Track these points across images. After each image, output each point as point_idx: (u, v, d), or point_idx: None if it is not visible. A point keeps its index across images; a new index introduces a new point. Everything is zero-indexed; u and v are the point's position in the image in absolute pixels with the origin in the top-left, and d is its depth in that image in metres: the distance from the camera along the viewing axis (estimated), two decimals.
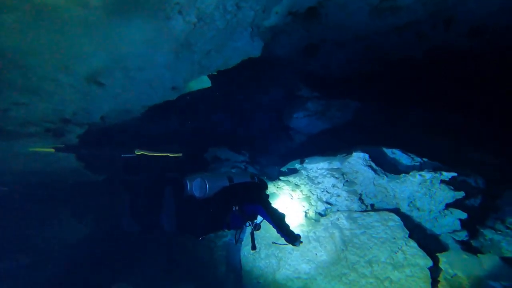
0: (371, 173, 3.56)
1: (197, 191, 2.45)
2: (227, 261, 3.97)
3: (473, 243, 3.25)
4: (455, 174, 3.31)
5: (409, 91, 5.47)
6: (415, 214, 3.51)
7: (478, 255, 3.00)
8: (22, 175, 2.80)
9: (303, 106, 5.37)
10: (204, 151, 4.73)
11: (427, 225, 3.48)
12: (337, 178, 3.67)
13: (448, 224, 3.38)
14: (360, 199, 3.60)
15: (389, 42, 4.81)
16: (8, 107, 1.99)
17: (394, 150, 3.86)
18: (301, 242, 2.56)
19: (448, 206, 3.39)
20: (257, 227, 2.68)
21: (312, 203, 3.69)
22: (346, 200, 3.60)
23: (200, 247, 4.13)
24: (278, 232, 2.63)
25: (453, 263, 2.96)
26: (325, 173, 3.74)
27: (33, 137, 2.27)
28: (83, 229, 3.90)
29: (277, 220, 2.62)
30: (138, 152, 2.56)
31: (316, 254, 3.37)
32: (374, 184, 3.57)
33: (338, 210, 3.59)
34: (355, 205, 3.56)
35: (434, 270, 2.99)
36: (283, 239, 2.60)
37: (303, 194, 3.77)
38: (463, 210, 3.33)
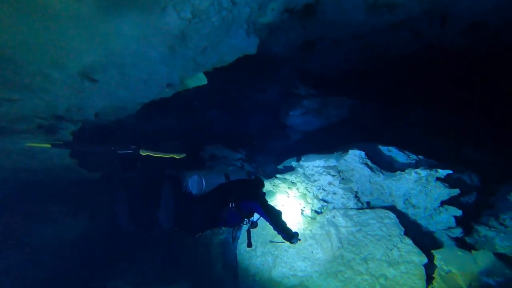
0: (367, 171, 3.57)
1: (193, 188, 2.45)
2: (223, 259, 3.97)
3: (468, 239, 3.28)
4: (450, 172, 3.33)
5: (406, 89, 5.50)
6: (410, 212, 3.53)
7: (472, 251, 3.03)
8: (14, 172, 2.77)
9: (299, 104, 5.37)
10: (201, 149, 4.71)
11: (423, 222, 3.50)
12: (333, 175, 3.67)
13: (443, 221, 3.41)
14: (356, 196, 3.61)
15: (386, 39, 4.82)
16: None
17: (390, 148, 3.88)
18: (299, 239, 2.56)
19: (443, 203, 3.41)
20: (254, 224, 2.68)
21: (308, 201, 3.70)
22: (342, 197, 3.61)
23: (196, 245, 4.13)
24: (275, 229, 2.62)
25: (448, 260, 2.98)
26: (321, 171, 3.74)
27: (25, 133, 2.23)
28: (78, 227, 3.87)
29: (274, 217, 2.62)
30: (144, 153, 2.55)
31: (312, 251, 3.38)
32: (370, 181, 3.58)
33: (334, 208, 3.60)
34: (351, 203, 3.57)
35: (429, 267, 3.01)
36: (280, 236, 2.60)
37: (299, 192, 3.78)
38: (458, 207, 3.36)
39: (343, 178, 3.68)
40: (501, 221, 3.12)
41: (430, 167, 3.44)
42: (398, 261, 3.05)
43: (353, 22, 4.25)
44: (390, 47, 5.04)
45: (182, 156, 2.73)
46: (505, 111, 4.49)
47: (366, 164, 3.60)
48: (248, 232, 2.70)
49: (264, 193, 3.02)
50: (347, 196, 3.58)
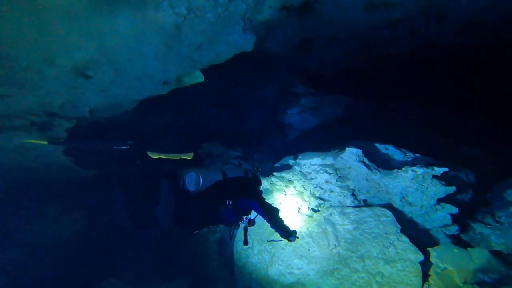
0: (364, 169, 3.57)
1: (191, 185, 2.44)
2: (220, 257, 3.97)
3: (464, 237, 3.29)
4: (447, 169, 3.34)
5: (404, 88, 5.50)
6: (407, 209, 3.53)
7: (468, 249, 3.05)
8: (8, 169, 2.74)
9: (297, 102, 5.35)
10: (198, 147, 4.69)
11: (419, 220, 3.51)
12: (330, 173, 3.67)
13: (439, 218, 3.42)
14: (353, 194, 3.61)
15: (384, 38, 4.81)
16: None
17: (387, 146, 3.88)
18: (297, 237, 2.55)
19: (439, 201, 3.42)
20: (251, 222, 2.67)
21: (305, 199, 3.69)
22: (339, 195, 3.61)
23: (193, 243, 4.12)
24: (272, 227, 2.62)
25: (444, 257, 2.99)
26: (318, 169, 3.74)
27: (18, 130, 2.21)
28: (73, 224, 3.85)
29: (271, 215, 2.61)
30: (156, 156, 2.53)
31: (308, 249, 3.38)
32: (367, 179, 3.58)
33: (331, 206, 3.60)
34: (348, 201, 3.57)
35: (425, 264, 3.03)
36: (278, 234, 2.60)
37: (296, 190, 3.77)
38: (454, 205, 3.37)
39: (340, 176, 3.68)
40: (497, 219, 3.13)
41: (426, 165, 3.45)
42: (395, 259, 3.05)
43: (351, 20, 4.24)
44: (388, 46, 5.03)
45: (190, 156, 2.72)
46: (504, 110, 4.51)
47: (363, 162, 3.60)
48: (245, 229, 2.69)
49: (261, 191, 3.02)
50: (344, 194, 3.58)
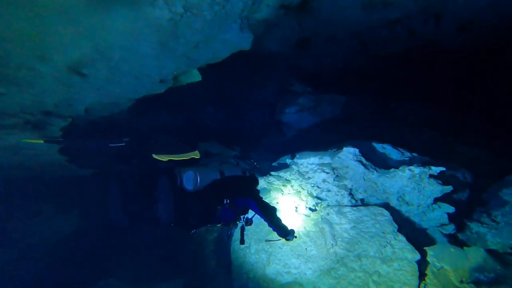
0: (361, 168, 3.57)
1: (189, 184, 2.42)
2: (217, 256, 3.96)
3: (460, 236, 3.31)
4: (444, 169, 3.35)
5: (402, 87, 5.50)
6: (404, 209, 3.54)
7: (465, 248, 3.06)
8: (2, 169, 2.71)
9: (295, 101, 5.34)
10: (196, 146, 4.67)
11: (416, 219, 3.52)
12: (327, 173, 3.67)
13: (436, 218, 3.43)
14: (350, 194, 3.61)
15: (382, 37, 4.81)
16: None
17: (384, 145, 3.88)
18: (295, 236, 2.54)
19: (436, 200, 3.43)
20: (249, 221, 2.66)
21: (303, 198, 3.69)
22: (337, 195, 3.61)
23: (190, 242, 4.10)
24: (270, 226, 2.61)
25: (440, 257, 3.00)
26: (315, 168, 3.73)
27: (12, 129, 2.18)
28: (70, 223, 3.83)
29: (269, 214, 2.60)
30: (165, 158, 2.49)
31: (306, 249, 3.38)
32: (364, 179, 3.59)
33: (328, 205, 3.60)
34: (345, 200, 3.58)
35: (422, 264, 3.03)
36: (275, 233, 2.59)
37: (293, 189, 3.77)
38: (451, 204, 3.38)
39: (337, 176, 3.68)
40: (493, 218, 3.14)
41: (423, 164, 3.45)
42: (392, 258, 3.06)
43: (349, 19, 4.23)
44: (387, 45, 5.03)
45: (197, 154, 2.70)
46: (504, 109, 4.52)
47: (360, 162, 3.60)
48: (242, 229, 2.68)
49: (259, 191, 3.00)
50: (341, 193, 3.58)
